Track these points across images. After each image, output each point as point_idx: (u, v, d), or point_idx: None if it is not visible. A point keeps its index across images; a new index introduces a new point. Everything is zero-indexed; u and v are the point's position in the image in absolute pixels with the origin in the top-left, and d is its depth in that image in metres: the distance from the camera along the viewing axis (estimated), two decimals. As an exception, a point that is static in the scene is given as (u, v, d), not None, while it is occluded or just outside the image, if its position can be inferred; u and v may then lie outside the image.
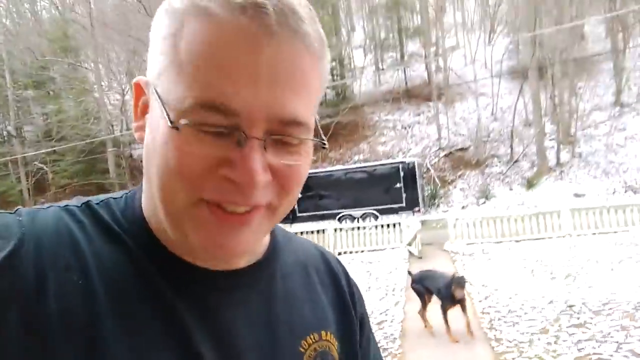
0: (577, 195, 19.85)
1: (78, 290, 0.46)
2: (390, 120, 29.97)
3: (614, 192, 19.58)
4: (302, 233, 13.23)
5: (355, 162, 26.57)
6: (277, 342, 0.57)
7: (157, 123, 0.46)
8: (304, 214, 18.32)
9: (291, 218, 18.35)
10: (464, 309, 5.35)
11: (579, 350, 4.57)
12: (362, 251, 12.38)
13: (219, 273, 0.55)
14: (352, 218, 17.65)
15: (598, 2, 28.32)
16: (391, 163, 19.21)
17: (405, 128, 29.38)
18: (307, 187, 18.60)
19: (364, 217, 17.50)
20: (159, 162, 0.46)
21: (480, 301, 6.67)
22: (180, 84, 0.44)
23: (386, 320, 6.33)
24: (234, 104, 0.43)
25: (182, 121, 0.44)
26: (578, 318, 5.47)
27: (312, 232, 13.19)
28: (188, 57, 0.44)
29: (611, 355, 4.35)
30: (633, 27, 28.33)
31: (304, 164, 0.51)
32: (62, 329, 0.43)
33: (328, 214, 18.16)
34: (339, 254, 12.47)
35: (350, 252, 12.46)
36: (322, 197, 18.53)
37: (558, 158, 23.06)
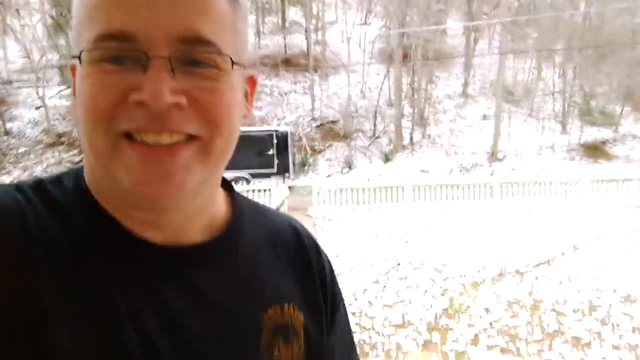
0: (423, 171, 22.97)
1: (22, 268, 0.45)
2: (267, 85, 30.31)
3: (451, 171, 23.12)
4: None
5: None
6: (234, 318, 0.55)
7: (76, 79, 0.47)
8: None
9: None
10: None
11: (398, 296, 5.90)
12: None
13: (171, 249, 0.53)
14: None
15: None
16: (266, 130, 19.82)
17: (282, 95, 30.11)
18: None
19: (235, 180, 17.94)
20: (79, 112, 0.47)
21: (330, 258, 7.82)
22: (86, 29, 0.46)
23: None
24: (130, 27, 0.44)
25: (84, 55, 0.45)
26: (402, 272, 6.91)
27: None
28: (88, 3, 0.46)
29: (419, 299, 5.74)
30: (483, 30, 32.84)
31: (227, 92, 0.49)
32: (5, 309, 0.43)
33: (199, 175, 18.21)
34: (209, 215, 12.87)
35: (220, 214, 12.92)
36: (195, 160, 18.43)
37: (411, 137, 26.19)
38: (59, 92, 29.47)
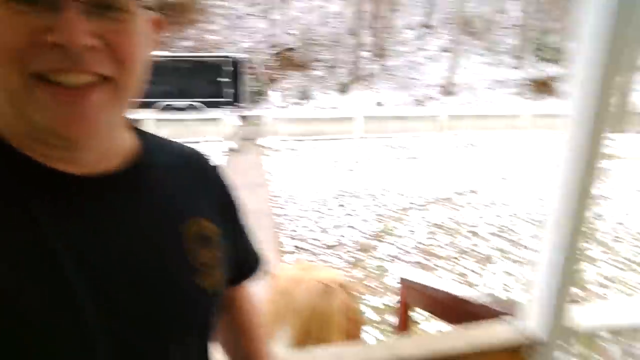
0: (379, 103, 23.20)
1: None
2: (223, 7, 28.70)
3: (406, 104, 23.48)
4: (119, 121, 12.90)
5: (183, 49, 25.35)
6: (158, 232, 0.58)
7: None
8: (123, 101, 17.34)
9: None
10: None
11: (335, 221, 6.35)
12: (184, 142, 12.84)
13: (86, 179, 0.54)
14: (177, 109, 17.52)
15: None
16: (219, 56, 19.12)
17: (239, 19, 28.69)
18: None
19: (188, 108, 17.51)
20: None
21: (275, 187, 8.15)
22: None
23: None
24: None
25: None
26: (342, 200, 7.35)
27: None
28: None
29: (353, 224, 6.21)
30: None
31: (137, 34, 0.51)
32: None
33: (150, 102, 17.52)
34: (159, 143, 12.73)
35: (171, 143, 12.80)
36: (144, 83, 17.63)
37: (370, 69, 26.06)
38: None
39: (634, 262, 5.07)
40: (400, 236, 5.73)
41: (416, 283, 2.19)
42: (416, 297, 2.19)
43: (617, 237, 5.78)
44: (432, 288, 2.03)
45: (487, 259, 5.08)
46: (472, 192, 7.81)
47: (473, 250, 5.35)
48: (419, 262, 4.96)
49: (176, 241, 0.60)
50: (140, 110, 15.93)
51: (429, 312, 2.19)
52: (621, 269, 4.91)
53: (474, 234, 5.86)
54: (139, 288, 0.55)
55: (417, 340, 1.32)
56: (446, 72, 24.55)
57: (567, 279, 1.19)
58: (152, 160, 0.63)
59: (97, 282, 0.51)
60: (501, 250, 5.29)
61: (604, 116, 1.12)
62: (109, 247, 0.53)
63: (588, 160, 1.15)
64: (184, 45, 26.38)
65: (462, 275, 4.69)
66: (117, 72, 0.50)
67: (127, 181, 0.58)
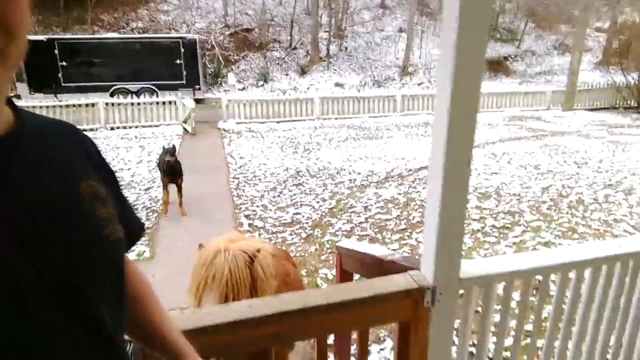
0: (337, 84, 23.32)
1: None
2: (175, -14, 27.71)
3: (365, 85, 23.72)
4: (67, 107, 12.42)
5: (133, 30, 24.41)
6: (60, 193, 0.61)
7: None
8: (71, 84, 16.58)
9: (54, 87, 16.48)
10: (179, 189, 6.00)
11: (292, 200, 6.49)
12: (137, 126, 12.55)
13: None
14: (128, 92, 16.98)
15: None
16: (172, 37, 18.59)
17: (192, -2, 27.81)
18: (75, 53, 16.63)
19: (140, 92, 17.01)
20: None
21: (235, 169, 8.18)
22: None
23: (152, 187, 7.23)
24: None
25: None
26: (299, 180, 7.48)
27: (80, 105, 12.50)
28: None
29: (310, 202, 6.38)
30: None
31: (21, 2, 0.51)
32: None
33: (100, 85, 16.88)
34: (112, 128, 12.38)
35: (124, 127, 12.48)
36: (93, 65, 16.91)
37: (328, 50, 26.03)
38: None
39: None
40: (354, 212, 5.94)
41: (348, 249, 2.38)
42: (349, 261, 2.38)
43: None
44: (360, 252, 2.22)
45: (435, 231, 5.37)
46: (424, 168, 8.13)
47: (422, 222, 5.63)
48: (369, 236, 5.19)
49: (77, 201, 0.63)
50: (89, 93, 15.38)
51: (357, 273, 2.39)
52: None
53: (425, 208, 6.14)
54: (53, 240, 0.58)
55: (325, 291, 1.49)
56: (404, 53, 24.88)
57: (447, 235, 1.39)
58: (31, 130, 0.64)
59: (19, 238, 0.53)
60: (448, 222, 5.60)
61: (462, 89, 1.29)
62: (18, 209, 0.55)
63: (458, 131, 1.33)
64: (134, 27, 25.39)
65: (413, 247, 4.96)
66: (4, 41, 0.50)
67: (16, 148, 0.59)
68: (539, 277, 1.78)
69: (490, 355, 1.77)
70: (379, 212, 5.91)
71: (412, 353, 1.54)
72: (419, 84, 23.50)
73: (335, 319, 1.40)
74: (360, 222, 5.59)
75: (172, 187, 6.05)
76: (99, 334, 0.63)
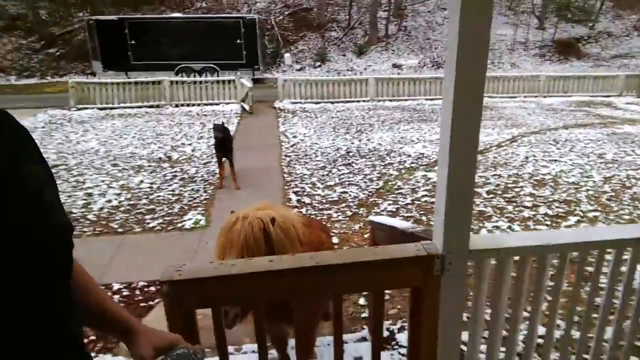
0: (395, 65, 22.92)
1: None
2: (238, -33, 28.18)
3: (423, 66, 23.14)
4: (135, 84, 13.22)
5: (197, 10, 25.24)
6: (13, 176, 0.63)
7: None
8: (140, 62, 17.58)
9: (125, 65, 17.54)
10: (231, 163, 6.32)
11: (340, 179, 6.64)
12: (199, 104, 13.14)
13: None
14: (192, 71, 17.73)
15: None
16: (233, 17, 19.04)
17: (253, -22, 28.18)
18: (143, 33, 17.54)
19: (203, 71, 17.69)
20: None
21: (287, 147, 8.43)
22: None
23: (210, 162, 7.65)
24: None
25: None
26: (349, 160, 7.60)
27: (147, 82, 13.25)
28: None
29: (357, 182, 6.50)
30: None
31: None
32: None
33: (166, 64, 17.73)
34: (176, 105, 13.06)
35: (187, 105, 13.12)
36: (160, 44, 17.77)
37: (387, 29, 25.54)
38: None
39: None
40: (401, 194, 5.99)
41: (379, 223, 2.50)
42: (380, 235, 2.51)
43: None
44: (387, 225, 2.34)
45: (484, 216, 5.32)
46: (479, 153, 7.95)
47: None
48: (414, 218, 5.24)
49: (20, 181, 0.64)
50: (156, 71, 16.22)
51: (385, 244, 2.52)
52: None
53: (474, 193, 6.07)
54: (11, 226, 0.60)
55: (339, 252, 1.63)
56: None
57: (456, 209, 1.48)
58: None
59: None
60: (499, 210, 5.52)
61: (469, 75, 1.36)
62: None
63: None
64: (199, 7, 26.23)
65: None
66: None
67: None
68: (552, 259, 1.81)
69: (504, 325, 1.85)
70: (426, 195, 5.92)
71: (424, 317, 1.66)
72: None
73: (347, 279, 1.55)
74: (406, 204, 5.64)
75: (226, 162, 6.40)
76: (47, 313, 0.66)
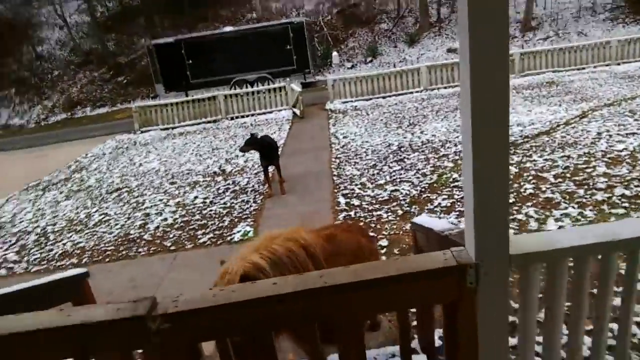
0: (450, 50, 21.92)
1: None
2: (282, -27, 28.54)
3: (479, 47, 21.87)
4: (193, 102, 13.76)
5: (248, 22, 25.88)
6: None
7: None
8: (197, 80, 18.33)
9: (184, 84, 18.36)
10: (277, 169, 6.41)
11: (391, 177, 6.36)
12: (252, 114, 13.40)
13: None
14: (247, 82, 18.16)
15: None
16: (280, 23, 19.24)
17: (299, -18, 28.39)
18: (198, 51, 18.27)
19: (257, 81, 18.04)
20: None
21: (337, 149, 8.28)
22: None
23: (261, 172, 7.68)
24: None
25: None
26: (401, 155, 7.29)
27: (203, 99, 13.74)
28: None
29: (409, 178, 6.19)
30: None
31: None
32: None
33: (222, 79, 18.31)
34: (231, 118, 13.41)
35: (242, 116, 13.43)
36: (214, 60, 18.40)
37: (439, 13, 24.53)
38: (78, 7, 29.29)
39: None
40: (457, 187, 5.60)
41: (419, 225, 2.27)
42: (421, 238, 2.28)
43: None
44: (425, 227, 2.10)
45: (552, 203, 4.81)
46: (544, 133, 7.28)
47: (535, 195, 5.08)
48: (473, 212, 4.85)
49: None
50: (214, 87, 16.80)
51: (425, 250, 2.27)
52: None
53: (540, 178, 5.54)
54: None
55: (354, 268, 1.43)
56: (525, 6, 22.27)
57: (489, 207, 1.24)
58: None
59: None
60: (569, 195, 4.96)
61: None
62: None
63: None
64: (249, 18, 26.92)
65: (522, 223, 4.51)
66: None
67: None
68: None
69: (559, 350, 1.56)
70: (484, 186, 5.48)
71: (461, 337, 1.42)
72: (544, 39, 20.92)
73: (364, 298, 1.35)
74: (462, 197, 5.25)
75: (272, 169, 6.45)
76: None
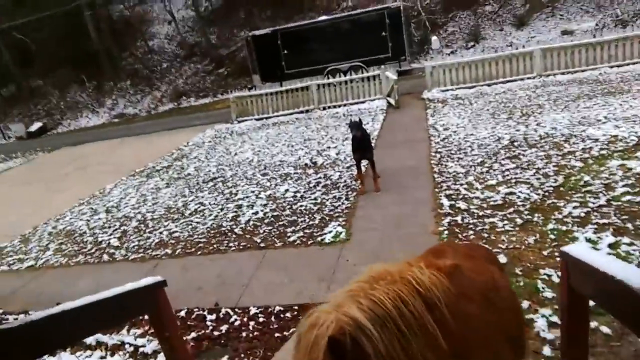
0: (565, 32, 19.51)
1: None
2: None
3: (603, 27, 19.19)
4: (287, 92, 13.71)
5: (344, 10, 25.44)
6: None
7: None
8: (292, 70, 18.37)
9: (279, 75, 18.51)
10: (371, 163, 5.80)
11: (504, 177, 5.53)
12: (345, 104, 12.99)
13: None
14: (340, 71, 17.79)
15: None
16: (375, 9, 18.51)
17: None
18: (294, 41, 18.29)
19: (351, 69, 17.59)
20: None
21: (437, 142, 7.53)
22: None
23: (354, 165, 7.25)
24: None
25: None
26: (514, 151, 6.36)
27: (297, 89, 13.62)
28: None
29: (528, 179, 5.32)
30: None
31: None
32: None
33: (316, 69, 18.16)
34: (324, 108, 13.12)
35: (334, 106, 13.08)
36: (309, 50, 18.30)
37: (553, -9, 21.96)
38: (185, 2, 31.14)
39: None
40: (590, 192, 4.66)
41: (580, 261, 1.60)
42: (581, 279, 1.61)
43: None
44: (599, 271, 1.45)
45: None
46: (703, 129, 5.89)
47: (702, 208, 4.00)
48: (614, 226, 3.94)
49: None
50: (307, 77, 16.70)
51: (595, 301, 1.60)
52: None
53: None
54: None
55: None
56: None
57: None
58: None
59: None
60: None
61: None
62: None
63: None
64: (344, 6, 26.48)
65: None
66: None
67: None
68: None
69: None
70: (628, 192, 4.47)
71: None
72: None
73: None
74: (600, 206, 4.32)
75: (367, 164, 5.92)
76: None
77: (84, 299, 1.74)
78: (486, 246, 3.77)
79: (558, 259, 3.59)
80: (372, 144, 6.29)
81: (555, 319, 2.96)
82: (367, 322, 1.09)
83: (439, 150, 7.06)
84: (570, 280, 1.83)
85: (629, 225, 3.90)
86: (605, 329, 2.80)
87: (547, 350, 2.74)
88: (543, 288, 3.27)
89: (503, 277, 1.89)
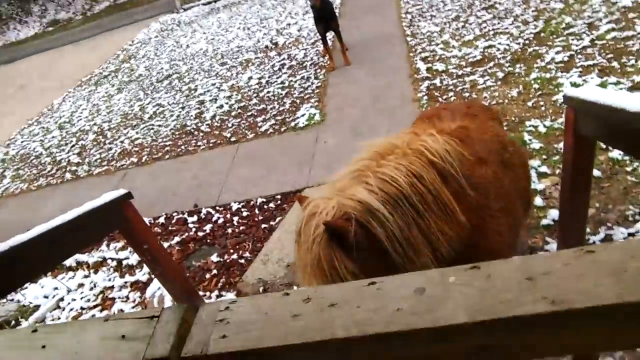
0: None
1: None
2: None
3: None
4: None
5: None
6: None
7: None
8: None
9: None
10: (337, 34, 5.25)
11: (481, 30, 5.12)
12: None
13: None
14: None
15: None
16: None
17: None
18: None
19: None
20: None
21: (406, 2, 6.87)
22: None
23: (319, 40, 6.65)
24: None
25: None
26: (491, 1, 5.85)
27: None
28: None
29: (506, 28, 4.93)
30: None
31: None
32: None
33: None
34: None
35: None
36: None
37: None
38: None
39: None
40: (573, 34, 4.34)
41: (588, 102, 1.36)
42: (589, 122, 1.39)
43: None
44: (610, 107, 1.20)
45: None
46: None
47: (690, 34, 3.77)
48: (599, 66, 3.71)
49: None
50: None
51: (603, 142, 1.41)
52: None
53: (693, 10, 4.11)
54: None
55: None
56: None
57: None
58: None
59: None
60: None
61: None
62: None
63: None
64: None
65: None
66: None
67: None
68: None
69: None
70: (613, 29, 4.18)
71: None
72: None
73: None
74: (583, 47, 4.05)
75: (332, 36, 5.38)
76: None
77: (35, 228, 1.47)
78: (479, 100, 3.55)
79: (543, 103, 3.42)
80: (337, 13, 5.66)
81: (544, 169, 2.87)
82: (378, 205, 0.85)
83: (409, 10, 6.47)
84: (577, 124, 1.62)
85: (615, 63, 3.67)
86: (595, 172, 2.73)
87: (538, 201, 2.67)
88: (530, 140, 3.13)
89: (504, 131, 1.68)
